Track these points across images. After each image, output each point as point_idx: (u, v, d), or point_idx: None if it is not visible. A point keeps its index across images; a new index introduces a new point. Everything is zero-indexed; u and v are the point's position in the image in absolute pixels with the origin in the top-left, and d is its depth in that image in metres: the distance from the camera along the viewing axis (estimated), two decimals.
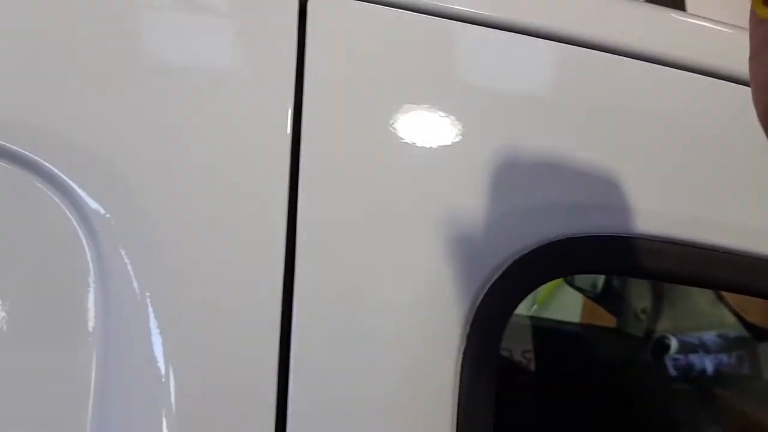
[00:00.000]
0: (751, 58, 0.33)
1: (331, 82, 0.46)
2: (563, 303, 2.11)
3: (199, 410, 0.41)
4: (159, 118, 0.43)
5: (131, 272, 0.42)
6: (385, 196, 0.44)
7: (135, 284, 0.42)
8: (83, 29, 0.44)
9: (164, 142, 0.43)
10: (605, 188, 0.46)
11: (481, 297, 0.44)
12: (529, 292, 0.45)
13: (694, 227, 0.47)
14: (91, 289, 0.42)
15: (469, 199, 0.45)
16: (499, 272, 0.44)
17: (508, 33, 0.48)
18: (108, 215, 0.42)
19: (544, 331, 1.80)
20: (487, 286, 0.43)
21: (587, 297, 1.94)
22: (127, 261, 0.42)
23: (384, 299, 0.43)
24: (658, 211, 0.47)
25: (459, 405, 0.43)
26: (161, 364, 0.41)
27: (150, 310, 0.42)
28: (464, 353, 0.43)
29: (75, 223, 0.42)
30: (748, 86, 0.46)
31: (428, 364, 0.43)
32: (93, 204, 0.42)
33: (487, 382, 0.44)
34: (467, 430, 0.43)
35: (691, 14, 0.55)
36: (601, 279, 1.84)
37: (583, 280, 1.91)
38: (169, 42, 0.45)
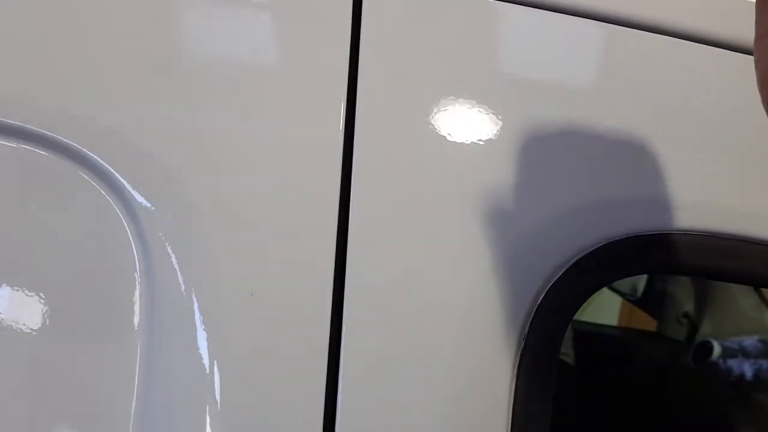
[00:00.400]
0: (757, 41, 0.32)
1: (385, 76, 0.44)
2: (601, 306, 2.08)
3: (243, 406, 0.41)
4: (208, 112, 0.42)
5: (176, 267, 0.41)
6: (440, 193, 0.43)
7: (180, 279, 0.41)
8: (132, 23, 0.43)
9: (213, 136, 0.42)
10: (667, 183, 0.44)
11: (540, 299, 0.42)
12: (591, 294, 0.43)
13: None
14: (137, 284, 0.41)
15: (527, 198, 0.43)
16: (560, 273, 0.42)
17: (564, 16, 0.46)
18: (154, 208, 0.41)
19: (584, 334, 1.77)
20: (548, 288, 0.42)
21: (627, 300, 1.91)
22: (172, 255, 0.41)
23: (439, 300, 0.42)
24: (725, 206, 0.45)
25: (514, 410, 0.42)
26: (205, 360, 0.41)
27: (195, 305, 0.41)
28: (521, 357, 0.42)
29: (122, 217, 0.41)
30: None
31: (485, 367, 0.42)
32: (139, 197, 0.41)
33: (545, 387, 0.43)
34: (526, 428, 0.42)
35: None
36: (642, 282, 1.81)
37: (623, 283, 1.87)
38: (219, 36, 0.43)
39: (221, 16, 0.44)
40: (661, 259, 0.43)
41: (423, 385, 0.41)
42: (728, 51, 0.47)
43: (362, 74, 0.44)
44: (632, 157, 0.44)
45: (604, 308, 2.10)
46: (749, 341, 1.63)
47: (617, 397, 1.58)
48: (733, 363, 1.61)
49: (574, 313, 0.43)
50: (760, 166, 0.46)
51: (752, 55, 0.32)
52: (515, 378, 0.42)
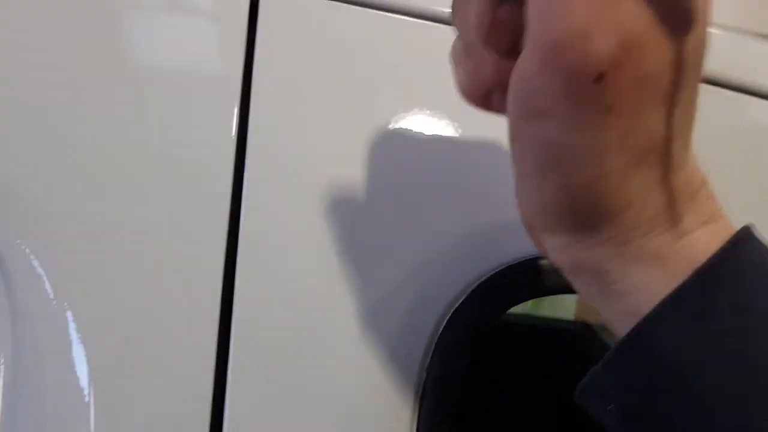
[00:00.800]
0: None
1: (280, 83, 0.43)
2: (556, 301, 2.08)
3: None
4: (88, 113, 0.40)
5: (44, 277, 0.39)
6: (335, 209, 0.41)
7: (52, 295, 0.39)
8: None
9: (91, 141, 0.40)
10: None
11: (441, 327, 0.41)
12: (493, 319, 0.42)
13: None
14: None
15: (424, 221, 0.42)
16: (461, 300, 0.40)
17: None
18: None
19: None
20: (448, 315, 0.40)
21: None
22: (42, 273, 0.39)
23: (344, 314, 0.40)
24: None
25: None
26: (83, 384, 0.38)
27: (69, 322, 0.39)
28: (423, 389, 0.40)
29: None
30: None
31: (385, 403, 0.40)
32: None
33: (450, 419, 0.41)
34: None
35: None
36: None
37: None
38: (110, 37, 0.42)
39: (111, 17, 0.42)
40: (556, 281, 0.42)
41: (320, 416, 0.40)
42: None
43: (257, 79, 0.42)
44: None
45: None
46: None
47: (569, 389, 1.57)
48: None
49: (478, 340, 0.41)
50: None
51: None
52: (418, 411, 0.40)
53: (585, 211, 0.27)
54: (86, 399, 0.39)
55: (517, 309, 1.84)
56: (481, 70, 0.29)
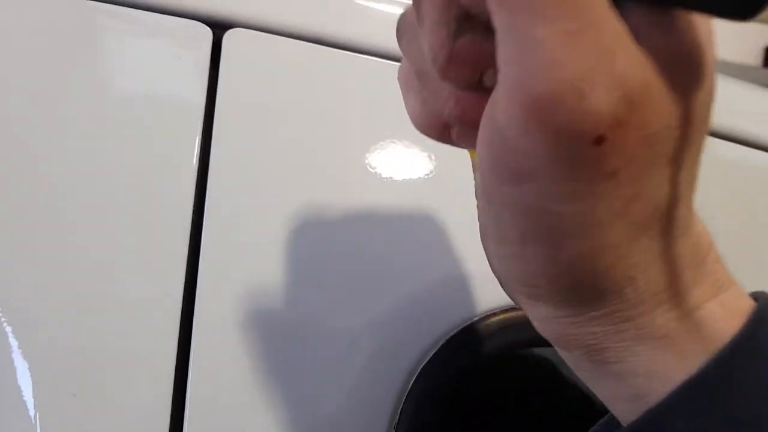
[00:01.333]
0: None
1: (242, 115, 0.42)
2: None
3: None
4: (51, 143, 0.39)
5: None
6: (294, 237, 0.40)
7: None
8: None
9: (63, 164, 0.39)
10: None
11: (413, 379, 0.39)
12: (465, 370, 0.40)
13: None
14: None
15: (399, 271, 0.40)
16: (433, 351, 0.39)
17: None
18: None
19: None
20: (420, 367, 0.38)
21: None
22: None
23: (305, 364, 0.38)
24: None
25: None
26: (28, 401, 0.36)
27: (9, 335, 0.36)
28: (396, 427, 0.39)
29: None
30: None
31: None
32: None
33: None
34: None
35: None
36: None
37: None
38: (67, 63, 0.41)
39: (75, 42, 0.42)
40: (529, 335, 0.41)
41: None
42: None
43: (219, 110, 0.42)
44: None
45: None
46: None
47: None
48: None
49: (449, 391, 0.40)
50: None
51: None
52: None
53: (579, 287, 0.23)
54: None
55: None
56: (436, 100, 0.25)
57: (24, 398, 0.35)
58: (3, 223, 0.37)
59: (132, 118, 0.40)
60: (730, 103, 0.49)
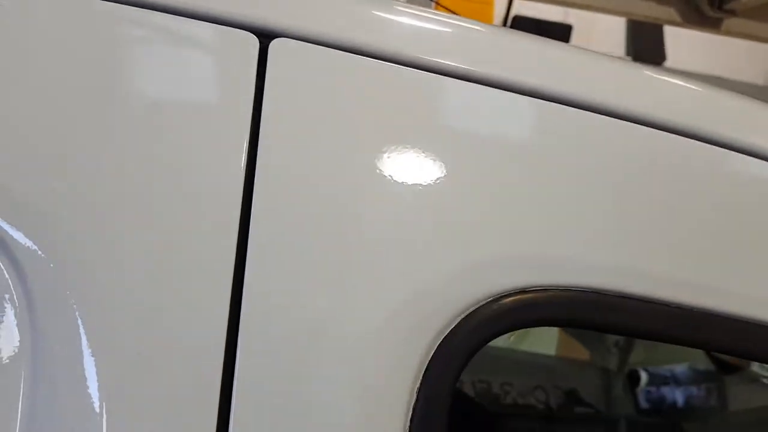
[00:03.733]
0: None
1: (288, 125, 0.43)
2: (540, 335, 2.08)
3: None
4: (101, 153, 0.41)
5: (70, 317, 0.39)
6: (339, 242, 0.42)
7: (71, 330, 0.39)
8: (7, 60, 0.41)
9: (107, 179, 0.41)
10: (558, 240, 0.44)
11: (432, 351, 0.42)
12: (482, 345, 0.43)
13: (652, 283, 0.45)
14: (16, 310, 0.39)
15: (429, 249, 0.43)
16: (452, 326, 0.42)
17: (469, 84, 0.46)
18: (42, 256, 0.39)
19: (521, 363, 1.78)
20: (440, 341, 0.41)
21: (563, 330, 1.92)
22: (63, 306, 0.39)
23: (339, 337, 0.41)
24: (615, 266, 0.45)
25: None
26: (95, 400, 0.39)
27: (83, 337, 0.39)
28: (413, 410, 0.41)
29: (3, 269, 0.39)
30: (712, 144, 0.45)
31: (377, 420, 0.41)
32: (26, 245, 0.39)
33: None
34: None
35: (666, 70, 0.53)
36: None
37: None
38: (116, 72, 0.42)
39: (125, 51, 0.43)
40: (546, 313, 0.43)
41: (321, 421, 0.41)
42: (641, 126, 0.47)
43: (265, 120, 0.43)
44: (520, 214, 0.44)
45: (544, 338, 2.11)
46: (679, 369, 1.65)
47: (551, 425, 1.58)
48: (665, 390, 1.63)
49: (466, 364, 0.42)
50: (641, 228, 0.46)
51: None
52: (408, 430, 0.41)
53: None
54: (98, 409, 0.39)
55: (500, 343, 1.86)
56: None
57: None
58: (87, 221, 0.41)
59: (180, 126, 0.42)
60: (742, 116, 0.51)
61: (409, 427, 0.41)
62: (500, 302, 0.43)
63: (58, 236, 0.40)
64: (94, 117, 0.41)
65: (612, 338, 1.76)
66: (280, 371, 0.40)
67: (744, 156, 0.48)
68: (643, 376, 1.60)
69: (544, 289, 0.44)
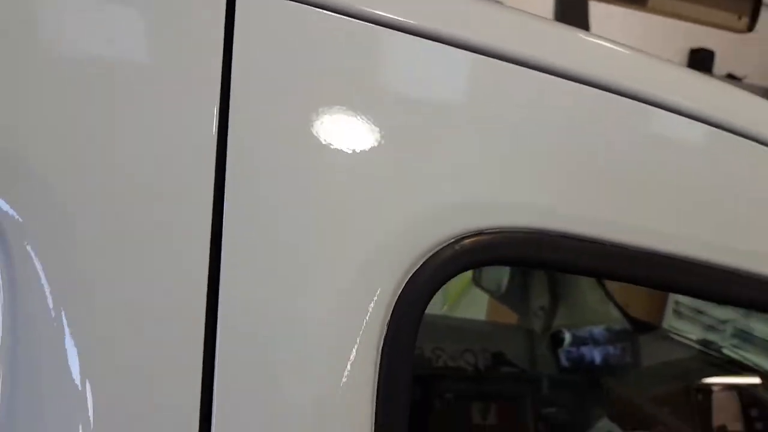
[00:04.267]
0: None
1: (258, 82, 0.44)
2: (471, 303, 2.18)
3: (118, 424, 0.40)
4: (76, 114, 0.41)
5: (44, 281, 0.40)
6: (308, 195, 0.45)
7: (48, 293, 0.40)
8: None
9: (83, 140, 0.41)
10: (507, 188, 0.50)
11: (402, 287, 0.46)
12: (446, 280, 0.48)
13: (589, 224, 0.51)
14: None
15: (388, 197, 0.46)
16: (419, 264, 0.47)
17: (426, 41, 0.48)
18: (20, 218, 0.40)
19: (453, 329, 1.85)
20: (407, 277, 0.46)
21: (493, 297, 2.02)
22: (40, 268, 0.40)
23: (307, 287, 0.44)
24: (554, 209, 0.50)
25: (378, 390, 0.45)
26: (77, 378, 0.40)
27: (64, 321, 0.40)
28: (384, 340, 0.46)
29: None
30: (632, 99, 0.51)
31: (353, 352, 0.45)
32: (4, 206, 0.40)
33: (406, 364, 0.47)
34: (387, 412, 0.46)
35: (590, 33, 0.58)
36: (505, 280, 1.91)
37: (488, 281, 1.98)
38: (89, 33, 0.41)
39: (88, 11, 0.42)
40: (499, 252, 0.49)
41: (292, 372, 0.44)
42: (564, 80, 0.52)
43: (235, 78, 0.44)
44: (472, 165, 0.49)
45: (475, 305, 2.21)
46: (597, 330, 1.76)
47: (481, 386, 1.66)
48: (585, 350, 1.74)
49: (430, 298, 0.47)
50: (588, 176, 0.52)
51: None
52: (380, 357, 0.46)
53: None
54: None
55: (434, 310, 1.93)
56: None
57: None
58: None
59: (145, 83, 0.42)
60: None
61: (381, 350, 0.46)
62: (460, 243, 0.48)
63: (38, 195, 0.40)
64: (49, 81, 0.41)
65: (538, 303, 1.86)
66: (258, 320, 0.43)
67: (665, 111, 0.54)
68: (567, 337, 1.70)
69: (498, 231, 0.49)
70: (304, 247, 0.44)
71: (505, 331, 1.98)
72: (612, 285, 1.83)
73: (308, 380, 0.44)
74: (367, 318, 0.45)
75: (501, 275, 1.92)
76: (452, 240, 0.48)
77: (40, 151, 0.40)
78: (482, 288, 2.00)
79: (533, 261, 0.51)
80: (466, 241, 0.48)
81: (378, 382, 0.46)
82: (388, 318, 0.46)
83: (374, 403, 0.45)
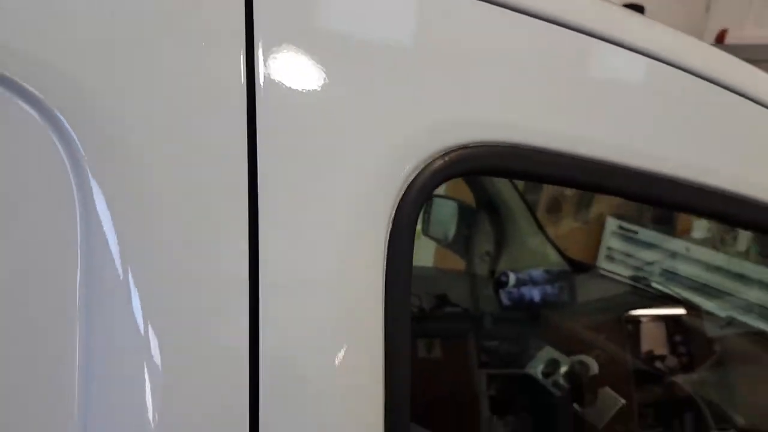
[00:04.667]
0: None
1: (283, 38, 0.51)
2: (420, 251, 2.28)
3: (184, 366, 0.46)
4: (152, 54, 0.47)
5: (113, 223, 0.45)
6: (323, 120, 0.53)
7: (116, 246, 0.45)
8: None
9: (157, 85, 0.47)
10: (488, 108, 0.59)
11: (403, 190, 0.55)
12: (440, 183, 0.56)
13: (559, 139, 0.61)
14: (78, 232, 0.44)
15: (391, 118, 0.54)
16: (420, 168, 0.55)
17: None
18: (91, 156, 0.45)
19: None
20: (412, 178, 0.55)
21: (440, 245, 2.13)
22: (111, 216, 0.45)
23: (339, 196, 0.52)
24: (525, 125, 0.60)
25: (387, 275, 0.55)
26: (140, 321, 0.45)
27: (129, 265, 0.45)
28: (392, 230, 0.55)
29: (65, 159, 0.44)
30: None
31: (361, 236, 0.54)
32: (83, 142, 0.44)
33: (408, 252, 0.56)
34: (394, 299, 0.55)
35: None
36: (452, 229, 2.02)
37: (437, 231, 2.08)
38: None
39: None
40: (480, 163, 0.58)
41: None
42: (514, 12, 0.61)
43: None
44: (461, 88, 0.58)
45: (421, 253, 2.31)
46: (536, 272, 1.89)
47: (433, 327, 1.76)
48: (525, 290, 1.86)
49: (427, 198, 0.56)
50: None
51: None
52: (388, 242, 0.54)
53: None
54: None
55: None
56: None
57: None
58: None
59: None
60: None
61: (388, 241, 0.54)
62: (449, 155, 0.57)
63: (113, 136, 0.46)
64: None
65: (484, 248, 1.97)
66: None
67: (609, 44, 0.64)
68: (511, 279, 1.82)
69: (481, 146, 0.58)
70: (324, 161, 0.52)
71: (450, 275, 2.10)
72: (552, 231, 1.96)
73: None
74: (380, 210, 0.54)
75: (448, 225, 2.03)
76: (442, 152, 0.57)
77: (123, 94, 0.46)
78: (431, 237, 2.10)
79: (510, 171, 0.60)
80: (454, 153, 0.57)
81: (386, 268, 0.54)
82: (393, 214, 0.55)
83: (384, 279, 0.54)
